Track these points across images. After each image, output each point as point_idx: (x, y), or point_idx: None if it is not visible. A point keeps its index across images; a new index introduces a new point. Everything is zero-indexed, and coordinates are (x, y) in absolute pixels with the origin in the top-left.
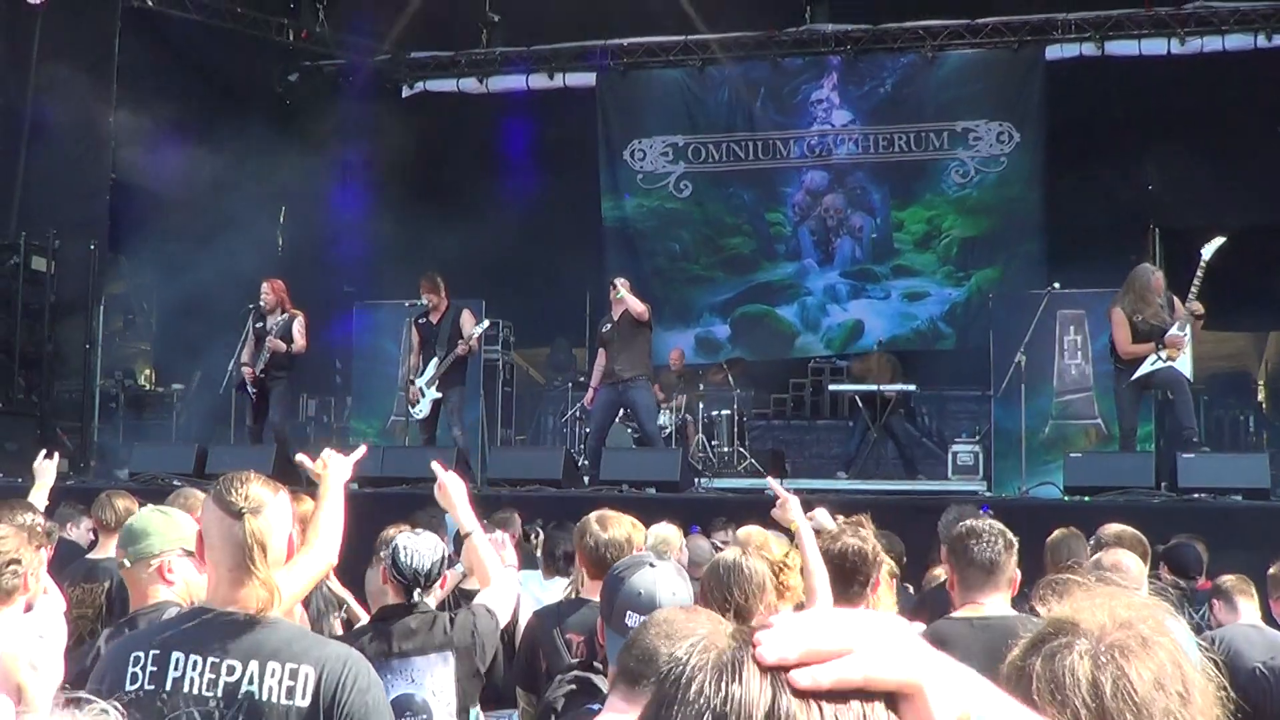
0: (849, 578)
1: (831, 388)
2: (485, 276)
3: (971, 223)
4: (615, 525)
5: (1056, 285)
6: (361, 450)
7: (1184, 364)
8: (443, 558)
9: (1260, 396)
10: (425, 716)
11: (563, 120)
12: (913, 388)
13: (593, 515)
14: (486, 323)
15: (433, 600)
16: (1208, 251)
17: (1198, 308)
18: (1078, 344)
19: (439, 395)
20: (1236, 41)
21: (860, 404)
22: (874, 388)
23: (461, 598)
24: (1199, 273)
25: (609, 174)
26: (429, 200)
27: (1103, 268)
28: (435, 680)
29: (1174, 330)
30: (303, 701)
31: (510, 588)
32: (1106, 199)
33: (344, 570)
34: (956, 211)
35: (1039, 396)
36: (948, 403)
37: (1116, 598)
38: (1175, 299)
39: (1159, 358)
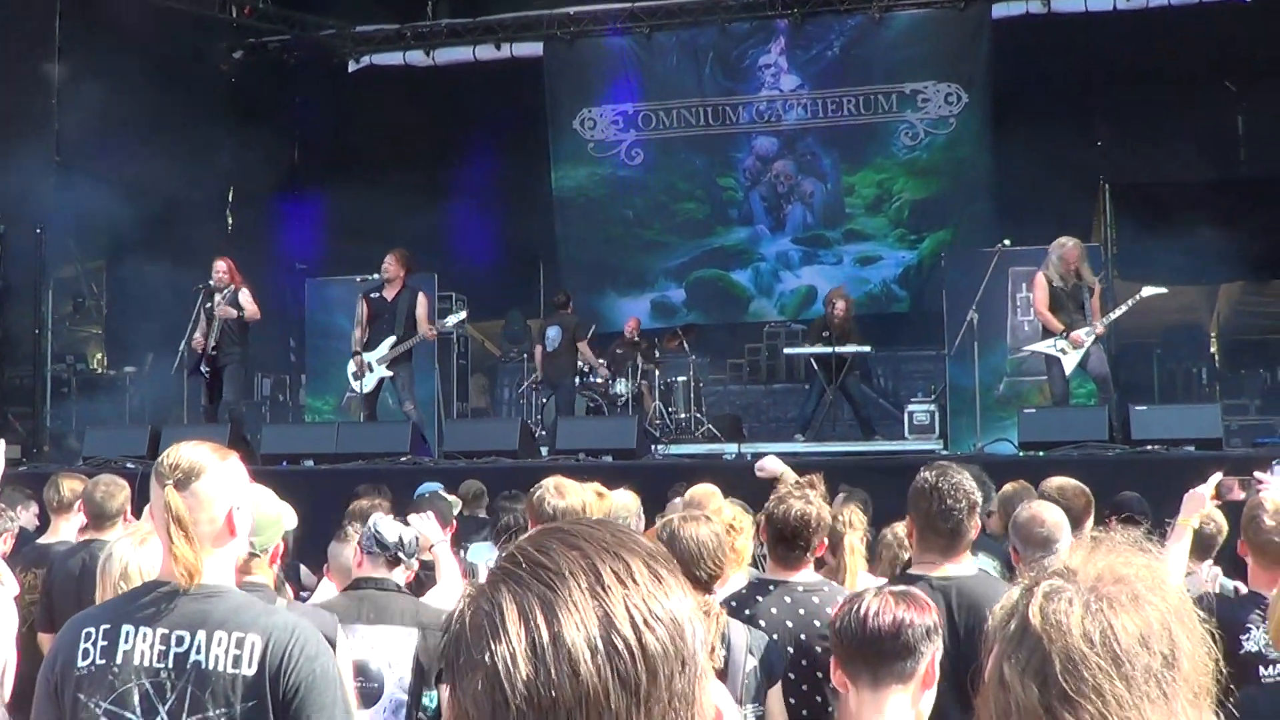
0: (791, 542)
1: (787, 351)
2: (437, 249)
3: (922, 185)
4: (571, 492)
5: (1007, 242)
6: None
7: (1071, 359)
8: (414, 542)
9: (1212, 349)
10: (377, 684)
11: (511, 91)
12: (868, 349)
13: (549, 481)
14: (463, 314)
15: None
16: (1146, 292)
17: (1102, 331)
18: (1030, 301)
19: (389, 374)
20: None
21: (816, 366)
22: (829, 350)
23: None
24: (1126, 306)
25: (559, 144)
26: (379, 174)
27: (1053, 225)
28: (394, 652)
29: (1082, 333)
30: (249, 670)
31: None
32: (1056, 157)
33: (302, 544)
34: (907, 174)
35: (993, 354)
36: (903, 363)
37: (1120, 554)
38: (1096, 305)
39: (1057, 345)
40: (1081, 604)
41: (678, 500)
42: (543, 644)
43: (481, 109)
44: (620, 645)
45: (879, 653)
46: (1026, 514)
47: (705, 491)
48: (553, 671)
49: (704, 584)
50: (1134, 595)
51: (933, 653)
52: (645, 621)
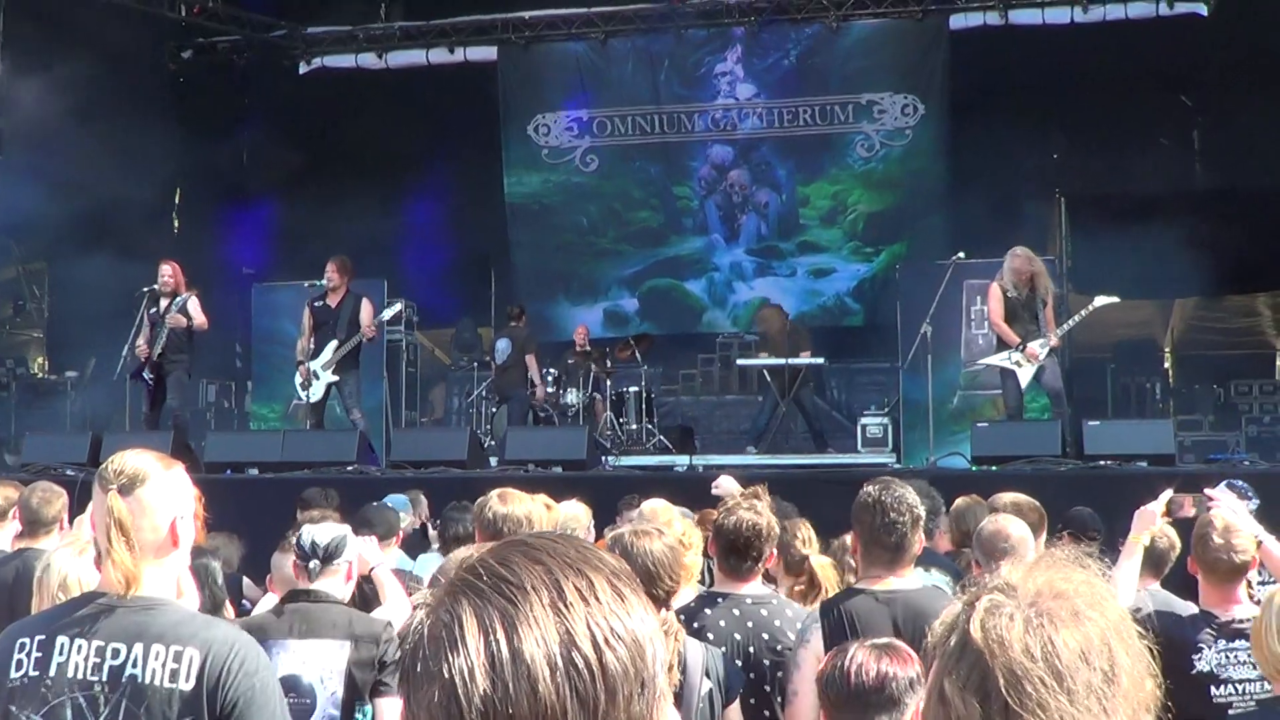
0: (742, 553)
1: (740, 362)
2: (387, 256)
3: (877, 197)
4: (516, 501)
5: (961, 255)
6: None
7: (1026, 372)
8: (343, 538)
9: (1166, 364)
10: (309, 700)
11: (464, 96)
12: (821, 361)
13: (495, 491)
14: (399, 305)
15: (341, 593)
16: (1099, 302)
17: (1057, 343)
18: (984, 314)
19: (335, 379)
20: (1139, 9)
21: (769, 378)
22: (782, 362)
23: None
24: (1080, 316)
25: (512, 149)
26: (329, 179)
27: (1010, 238)
28: (326, 666)
29: (1036, 345)
30: (186, 684)
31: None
32: (1012, 169)
33: (245, 555)
34: (862, 186)
35: (946, 367)
36: (856, 375)
37: (1059, 570)
38: (1050, 316)
39: (1012, 359)
40: (1022, 619)
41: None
42: (502, 659)
43: (434, 113)
44: (580, 663)
45: (864, 705)
46: (991, 528)
47: (657, 508)
48: (511, 687)
49: (660, 600)
50: (1074, 611)
51: (916, 703)
52: (606, 640)
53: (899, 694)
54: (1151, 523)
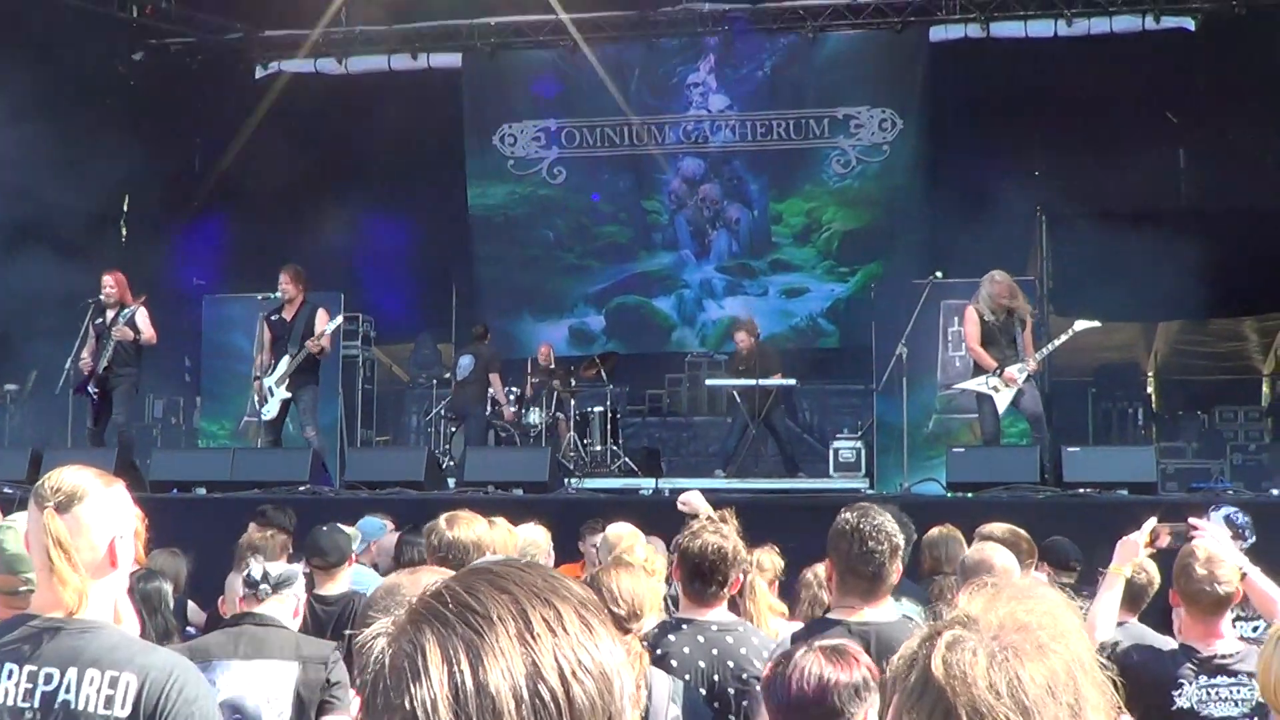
0: (707, 578)
1: (709, 382)
2: (345, 268)
3: (853, 215)
4: (464, 525)
5: (939, 274)
6: None
7: (1004, 397)
8: (295, 573)
9: (1149, 389)
10: None
11: (427, 103)
12: (793, 382)
13: (444, 515)
14: (340, 319)
15: (288, 622)
16: (1079, 326)
17: (1036, 367)
18: (961, 335)
19: (288, 395)
20: (1124, 23)
21: (739, 399)
22: (752, 383)
23: None
24: (1059, 341)
25: (477, 160)
26: (285, 187)
27: (989, 257)
28: (272, 688)
29: (1015, 369)
30: (122, 711)
31: None
32: (992, 186)
33: (195, 576)
34: (837, 203)
35: (922, 390)
36: (829, 397)
37: (1020, 601)
38: (1028, 339)
39: (989, 383)
40: (986, 654)
41: (595, 539)
42: (466, 690)
43: (396, 121)
44: (546, 696)
45: (805, 715)
46: (976, 557)
47: (622, 531)
48: None
49: (625, 630)
50: (1039, 644)
51: (865, 710)
52: (574, 672)
53: (842, 704)
54: (1134, 554)
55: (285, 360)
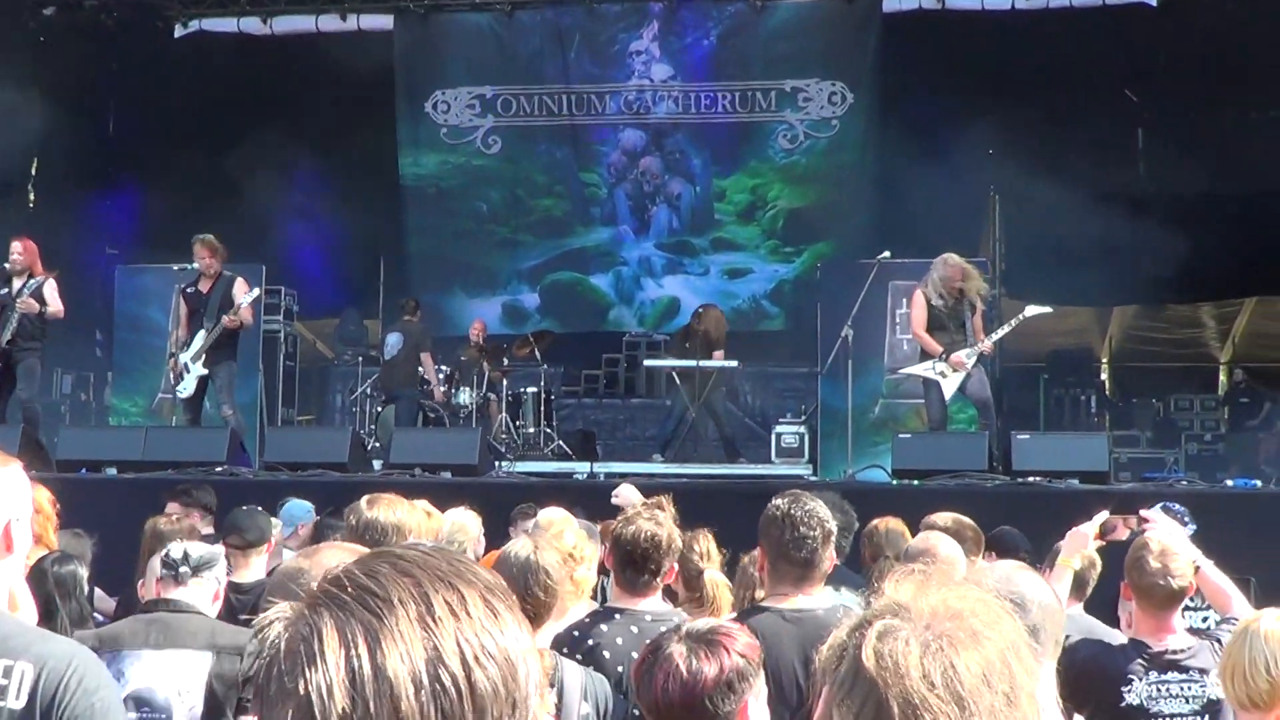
0: (640, 566)
1: (647, 363)
2: (267, 239)
3: (799, 193)
4: (386, 506)
5: (887, 254)
6: None
7: (951, 382)
8: (217, 555)
9: (1103, 375)
10: (164, 715)
11: (357, 67)
12: (735, 364)
13: (366, 496)
14: (257, 290)
15: (206, 608)
16: (1030, 312)
17: (989, 349)
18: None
19: (205, 372)
20: None
21: (678, 381)
22: (693, 363)
23: None
24: (1011, 325)
25: (409, 127)
26: (204, 153)
27: (940, 238)
28: (185, 678)
29: (963, 354)
30: (16, 703)
31: None
32: (945, 164)
33: (103, 561)
34: (783, 180)
35: (868, 373)
36: (772, 380)
37: (953, 589)
38: (978, 324)
39: (936, 368)
40: (919, 643)
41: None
42: (363, 675)
43: (323, 86)
44: (448, 682)
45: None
46: (920, 546)
47: (554, 516)
48: (371, 706)
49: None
50: (973, 632)
51: (744, 700)
52: (476, 658)
53: (715, 704)
54: (1083, 546)
55: (201, 335)
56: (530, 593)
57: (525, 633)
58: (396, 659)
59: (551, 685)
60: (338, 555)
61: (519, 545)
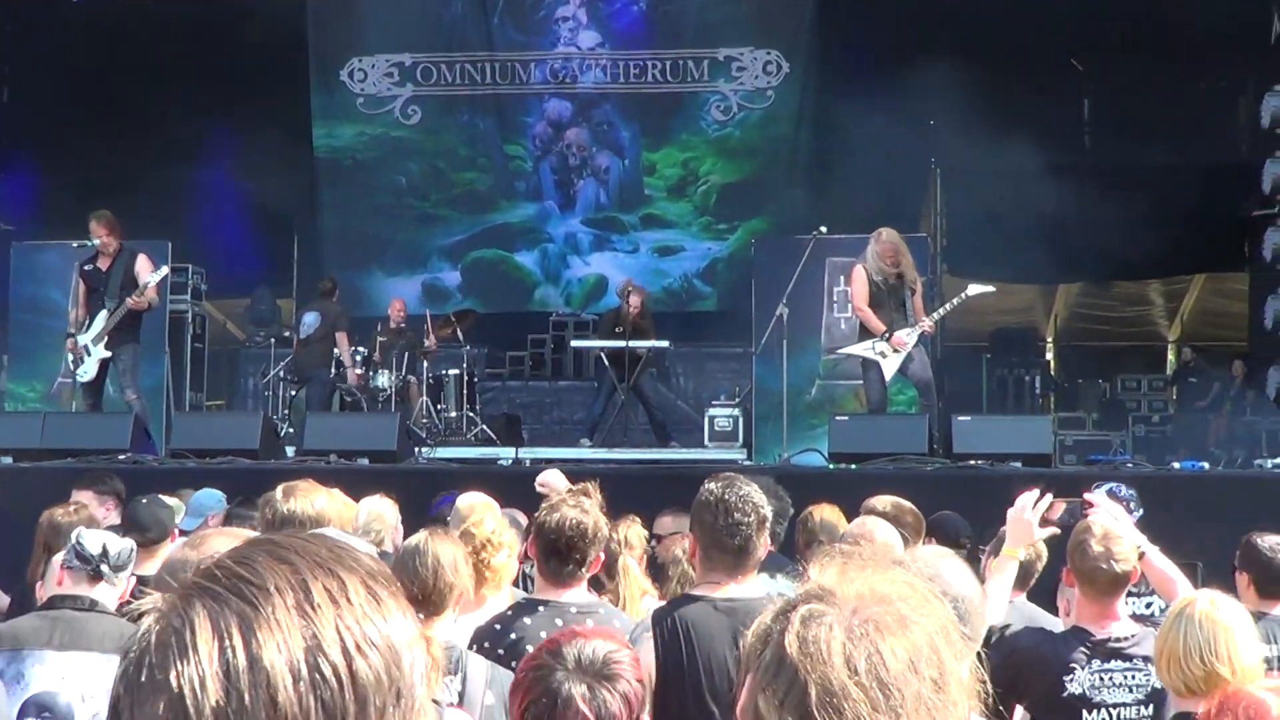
0: (564, 556)
1: (574, 344)
2: (173, 214)
3: (733, 167)
4: (304, 496)
5: (823, 229)
6: None
7: (891, 363)
8: (131, 550)
9: (1048, 355)
10: None
11: (269, 32)
12: (665, 344)
13: (282, 485)
14: (165, 269)
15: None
16: (972, 290)
17: (930, 328)
18: (848, 295)
19: (107, 354)
20: None
21: (606, 362)
22: (622, 344)
23: None
24: (953, 303)
25: (323, 97)
26: (104, 123)
27: (879, 213)
28: (89, 682)
29: (904, 334)
30: None
31: None
32: (884, 137)
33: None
34: (716, 153)
35: (805, 354)
36: (705, 361)
37: (880, 572)
38: (918, 304)
39: (876, 348)
40: (843, 629)
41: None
42: (238, 666)
43: (232, 52)
44: (327, 671)
45: None
46: (857, 531)
47: (474, 502)
48: (247, 698)
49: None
50: (900, 616)
51: None
52: (358, 646)
53: None
54: (1029, 536)
55: (103, 315)
56: (418, 578)
57: (410, 620)
58: (273, 649)
59: (455, 672)
60: (227, 543)
61: (418, 534)
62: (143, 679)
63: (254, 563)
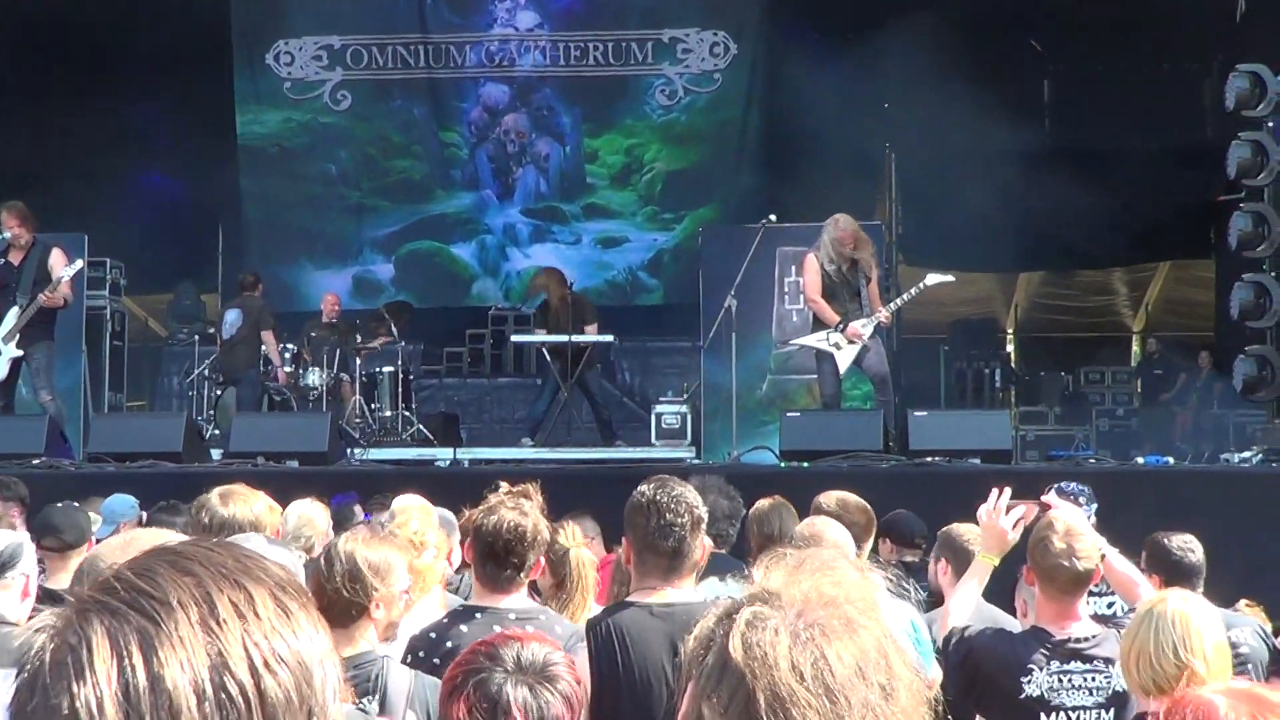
0: (502, 560)
1: (515, 339)
2: (89, 205)
3: (679, 154)
4: (241, 501)
5: (773, 218)
6: None
7: (846, 355)
8: (19, 547)
9: (1008, 347)
10: None
11: (189, 13)
12: (610, 339)
13: (216, 490)
14: (80, 263)
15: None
16: (931, 280)
17: (887, 320)
18: (800, 286)
19: (19, 353)
20: None
21: (549, 358)
22: (565, 339)
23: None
24: (910, 294)
25: (247, 81)
26: (16, 106)
27: (832, 200)
28: None
29: (859, 324)
30: None
31: None
32: (836, 121)
33: None
34: (661, 140)
35: (754, 348)
36: (651, 356)
37: (825, 573)
38: (874, 293)
39: (830, 339)
40: (789, 633)
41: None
42: (138, 687)
43: (151, 33)
44: (234, 691)
45: None
46: (808, 531)
47: (409, 504)
48: None
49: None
50: (847, 620)
51: None
52: (266, 663)
53: None
54: (1003, 542)
55: (14, 312)
56: (329, 586)
57: (323, 634)
58: (176, 667)
59: (373, 692)
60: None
61: (334, 538)
62: (35, 703)
63: (155, 575)
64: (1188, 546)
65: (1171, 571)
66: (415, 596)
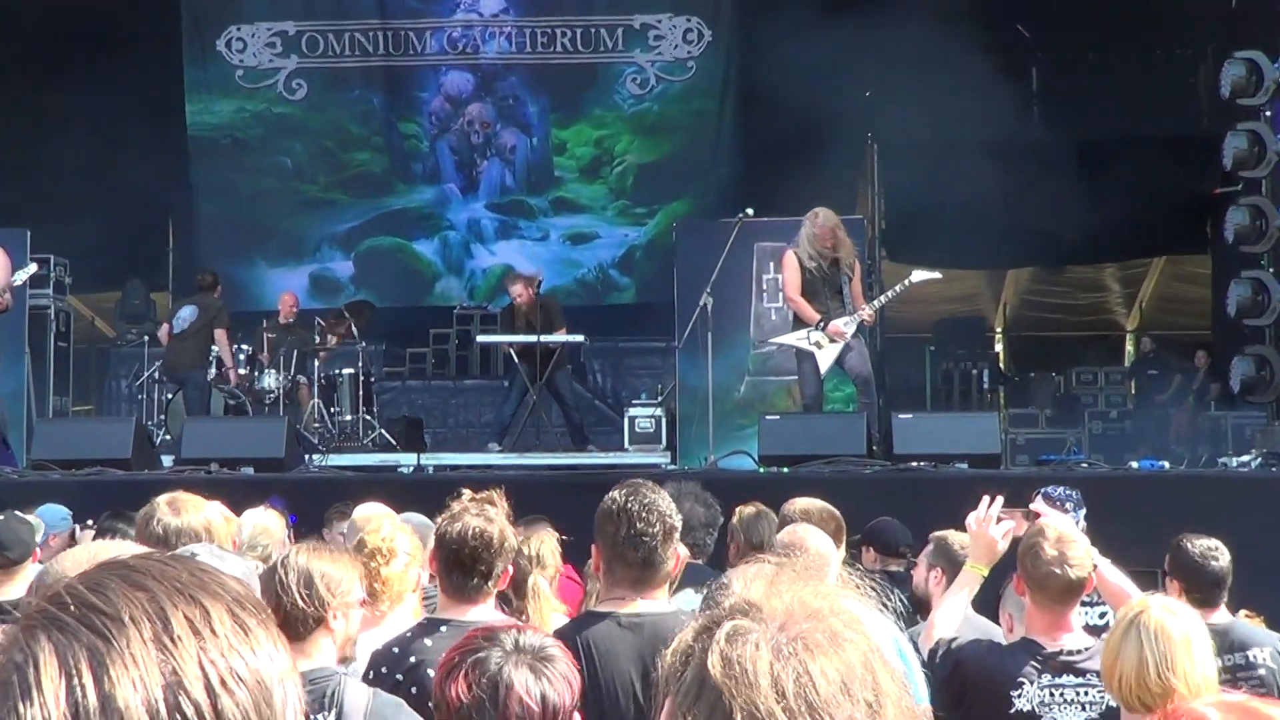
0: (468, 569)
1: (481, 339)
2: (32, 199)
3: (651, 145)
4: (193, 510)
5: (750, 211)
6: None
7: (828, 354)
8: None
9: (997, 346)
10: None
11: None
12: (581, 339)
13: (164, 497)
14: (33, 266)
15: None
16: (917, 277)
17: (870, 317)
18: (779, 283)
19: None
20: None
21: (517, 359)
22: (534, 339)
23: None
24: (895, 291)
25: (198, 68)
26: None
27: (812, 194)
28: None
29: (841, 322)
30: None
31: None
32: (816, 111)
33: None
34: (633, 131)
35: (732, 348)
36: (624, 356)
37: (808, 585)
38: (857, 290)
39: (811, 338)
40: (770, 648)
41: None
42: (88, 707)
43: (99, 19)
44: (190, 711)
45: None
46: (787, 539)
47: (371, 513)
48: None
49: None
50: (832, 633)
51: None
52: (223, 682)
53: None
54: (993, 552)
55: None
56: (283, 599)
57: (283, 651)
58: (128, 687)
59: (328, 709)
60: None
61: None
62: None
63: (106, 590)
64: (1212, 553)
65: (1192, 578)
66: (386, 608)
